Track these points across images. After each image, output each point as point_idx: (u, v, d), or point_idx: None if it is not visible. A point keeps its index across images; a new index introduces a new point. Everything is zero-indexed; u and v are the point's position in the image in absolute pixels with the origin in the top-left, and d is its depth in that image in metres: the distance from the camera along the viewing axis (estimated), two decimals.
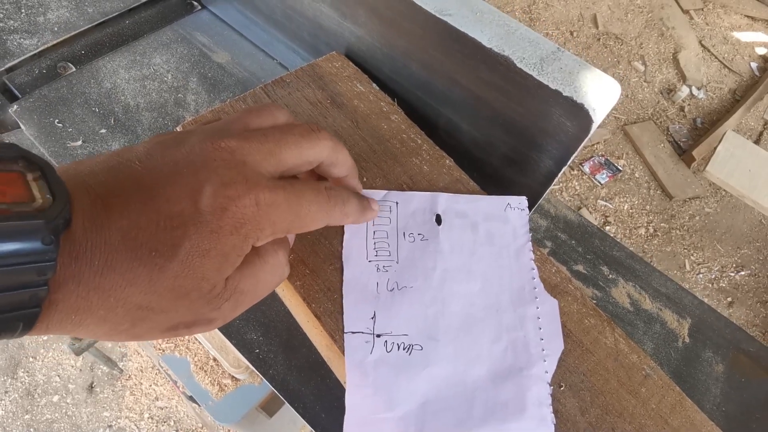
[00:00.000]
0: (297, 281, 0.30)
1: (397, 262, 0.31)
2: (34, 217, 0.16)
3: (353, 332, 0.28)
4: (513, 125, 0.35)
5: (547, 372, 0.29)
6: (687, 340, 0.46)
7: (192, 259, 0.20)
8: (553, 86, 0.30)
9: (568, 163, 0.34)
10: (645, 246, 1.76)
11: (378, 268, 0.30)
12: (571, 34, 2.32)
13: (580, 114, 0.30)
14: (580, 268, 0.48)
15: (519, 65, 0.31)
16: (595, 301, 0.32)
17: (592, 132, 0.31)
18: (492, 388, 0.28)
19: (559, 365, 0.29)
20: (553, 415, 0.28)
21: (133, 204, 0.20)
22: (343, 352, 0.28)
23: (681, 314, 0.47)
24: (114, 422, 1.32)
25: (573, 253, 0.48)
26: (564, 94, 0.30)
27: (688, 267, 1.74)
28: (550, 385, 0.29)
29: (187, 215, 0.20)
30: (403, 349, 0.28)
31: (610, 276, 0.48)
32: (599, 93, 0.30)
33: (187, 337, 0.68)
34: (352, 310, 0.29)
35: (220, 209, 0.21)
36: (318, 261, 0.30)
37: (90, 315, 0.19)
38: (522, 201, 0.34)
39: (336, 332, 0.28)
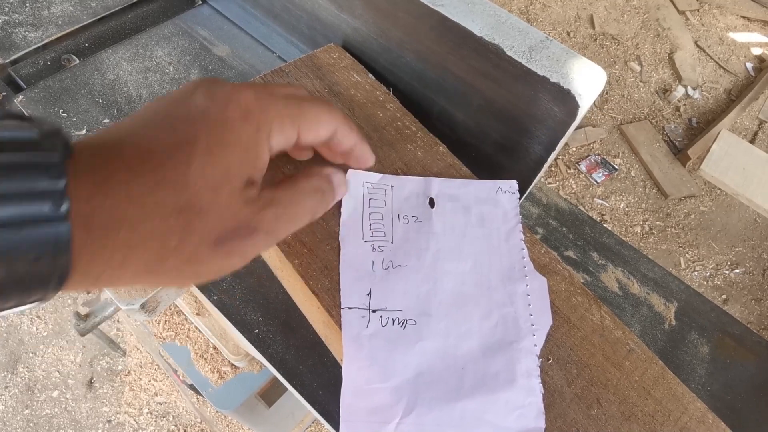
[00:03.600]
0: (295, 260, 0.31)
1: (392, 243, 0.32)
2: (28, 128, 0.17)
3: (350, 308, 0.30)
4: (503, 112, 0.36)
5: (536, 345, 0.30)
6: (673, 322, 0.47)
7: (213, 149, 0.21)
8: (541, 73, 0.32)
9: (557, 150, 0.35)
10: (641, 244, 1.78)
11: (374, 248, 0.32)
12: (568, 34, 2.34)
13: (566, 99, 0.31)
14: (570, 253, 0.49)
15: (509, 53, 0.32)
16: (583, 283, 0.33)
17: (578, 118, 0.32)
18: (483, 361, 0.29)
19: (548, 340, 0.31)
20: (541, 385, 0.29)
21: (143, 125, 0.21)
22: (340, 327, 0.29)
23: (668, 298, 0.48)
24: (113, 417, 1.33)
25: (564, 239, 0.50)
26: (551, 80, 0.31)
27: (683, 265, 1.75)
28: (539, 358, 0.30)
29: (196, 113, 0.22)
30: (398, 323, 0.30)
31: (600, 261, 0.49)
32: (585, 79, 0.31)
33: (188, 325, 0.69)
34: (348, 287, 0.30)
35: (225, 100, 0.22)
36: (315, 240, 0.32)
37: (132, 230, 0.19)
38: (512, 185, 0.35)
39: (333, 308, 0.30)
